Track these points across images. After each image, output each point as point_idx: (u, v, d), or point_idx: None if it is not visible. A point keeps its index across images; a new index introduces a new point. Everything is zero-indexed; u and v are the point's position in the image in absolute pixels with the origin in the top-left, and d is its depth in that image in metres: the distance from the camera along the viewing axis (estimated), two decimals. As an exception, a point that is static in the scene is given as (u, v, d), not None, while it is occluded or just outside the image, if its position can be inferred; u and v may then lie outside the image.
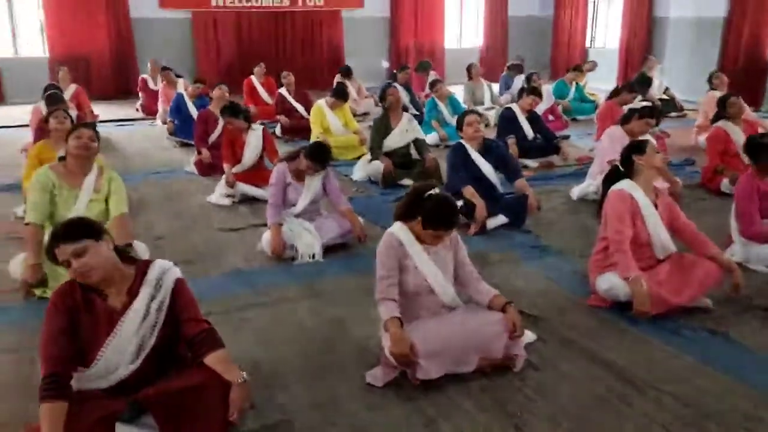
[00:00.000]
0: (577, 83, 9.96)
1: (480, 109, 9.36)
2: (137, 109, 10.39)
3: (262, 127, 5.82)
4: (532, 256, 4.24)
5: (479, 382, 2.77)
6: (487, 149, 4.88)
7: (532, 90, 6.78)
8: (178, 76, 9.50)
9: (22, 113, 9.05)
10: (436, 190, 2.85)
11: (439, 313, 2.92)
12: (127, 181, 5.94)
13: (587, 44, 14.66)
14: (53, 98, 6.28)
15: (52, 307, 2.30)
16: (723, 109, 5.82)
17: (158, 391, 2.28)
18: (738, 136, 5.66)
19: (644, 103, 9.10)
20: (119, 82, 12.30)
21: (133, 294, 2.38)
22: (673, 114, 9.97)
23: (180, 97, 7.89)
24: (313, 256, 4.13)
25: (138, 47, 12.59)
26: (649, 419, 2.51)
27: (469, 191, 4.66)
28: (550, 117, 8.32)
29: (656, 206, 3.47)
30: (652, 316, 3.26)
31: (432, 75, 10.78)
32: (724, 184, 5.50)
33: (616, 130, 5.36)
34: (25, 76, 11.55)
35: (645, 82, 10.03)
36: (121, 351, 2.31)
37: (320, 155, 4.26)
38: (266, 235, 4.22)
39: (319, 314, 3.42)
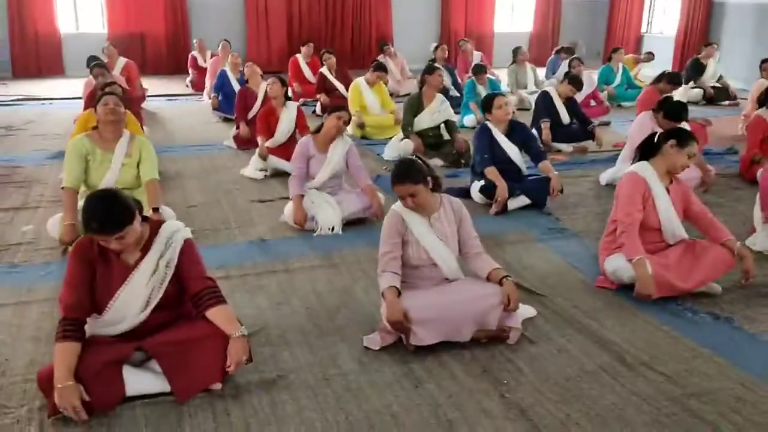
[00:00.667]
0: (624, 68, 9.77)
1: (523, 92, 9.34)
2: (187, 86, 10.72)
3: (296, 104, 5.96)
4: (550, 237, 4.27)
5: (472, 350, 2.86)
6: (512, 131, 4.91)
7: (570, 79, 6.71)
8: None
9: (80, 86, 9.46)
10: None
11: (440, 285, 3.03)
12: (168, 154, 6.33)
13: (643, 30, 14.30)
14: (100, 65, 6.56)
15: (73, 257, 2.51)
16: (766, 98, 5.67)
17: (163, 340, 2.47)
18: (782, 122, 5.52)
19: (696, 91, 9.00)
20: (172, 60, 12.71)
21: (145, 251, 2.56)
22: (726, 102, 9.70)
23: (224, 73, 8.13)
24: (333, 229, 4.27)
25: (192, 27, 12.96)
26: (632, 392, 2.57)
27: (492, 172, 4.72)
28: (592, 102, 8.21)
29: (668, 191, 3.46)
30: (657, 299, 3.29)
31: (477, 56, 10.73)
32: (760, 173, 5.37)
33: (646, 116, 5.30)
34: (85, 51, 11.99)
35: (697, 70, 9.81)
36: (131, 302, 2.50)
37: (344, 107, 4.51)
38: (288, 207, 4.38)
39: (332, 282, 3.56)
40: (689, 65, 10.02)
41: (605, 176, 5.48)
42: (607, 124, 7.99)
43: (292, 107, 5.86)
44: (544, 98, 6.69)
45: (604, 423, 2.40)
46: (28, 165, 5.94)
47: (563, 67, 10.66)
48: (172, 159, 6.25)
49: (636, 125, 5.29)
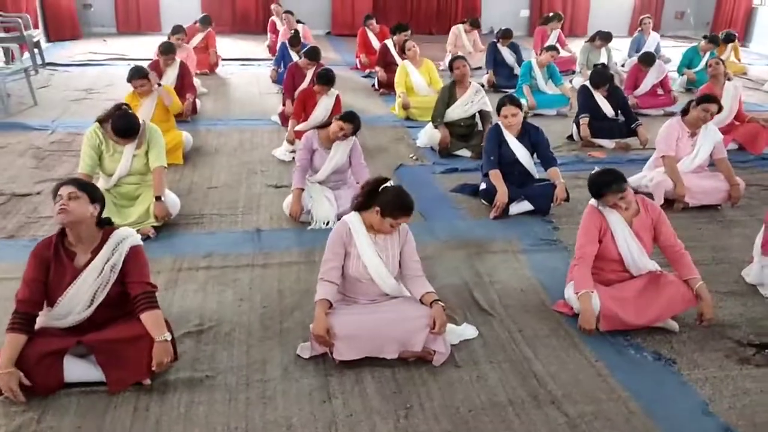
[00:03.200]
0: (712, 51, 9.09)
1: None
2: (268, 47, 11.08)
3: (337, 92, 6.08)
4: (536, 249, 4.26)
5: (395, 369, 3.01)
6: (525, 133, 4.86)
7: (601, 77, 6.40)
8: (299, 22, 9.98)
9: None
10: (391, 183, 3.07)
11: (376, 300, 3.18)
12: (217, 128, 6.71)
13: (757, 1, 13.09)
14: (167, 49, 6.97)
15: (32, 257, 2.86)
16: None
17: (101, 336, 2.80)
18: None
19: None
20: (261, 20, 13.07)
21: (95, 254, 2.88)
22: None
23: (284, 46, 8.38)
24: (327, 224, 4.46)
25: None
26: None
27: (495, 175, 4.72)
28: (659, 91, 7.77)
29: (632, 224, 3.38)
30: (607, 331, 3.28)
31: (554, 35, 10.34)
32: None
33: (674, 122, 5.04)
34: (180, 9, 12.67)
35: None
36: (77, 299, 2.83)
37: (352, 119, 4.53)
38: (288, 198, 4.61)
39: (299, 281, 3.78)
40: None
41: (632, 181, 5.26)
42: (672, 114, 7.55)
43: (332, 95, 6.00)
44: (583, 92, 6.44)
45: (482, 461, 2.50)
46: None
47: (650, 43, 10.13)
48: (217, 133, 6.63)
49: (663, 131, 5.05)
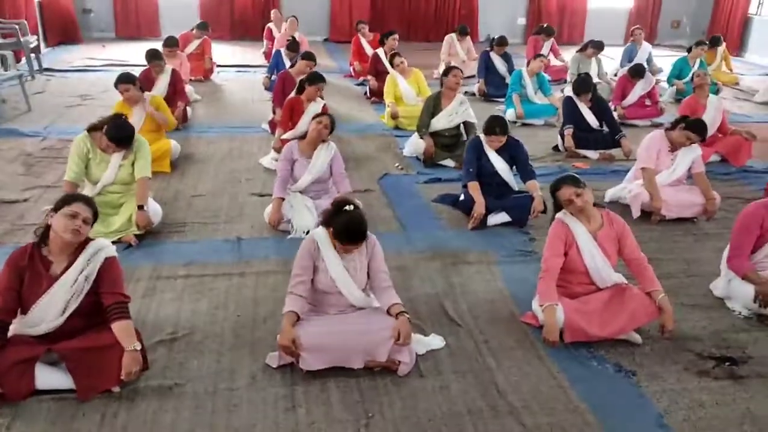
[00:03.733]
0: (702, 61, 9.17)
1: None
2: (264, 54, 11.19)
3: (323, 102, 6.17)
4: (511, 260, 4.33)
5: (360, 379, 3.08)
6: (506, 146, 4.93)
7: (583, 86, 6.48)
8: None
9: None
10: (352, 207, 3.14)
11: (345, 311, 3.25)
12: (207, 135, 6.81)
13: (752, 11, 13.16)
14: (154, 55, 7.06)
15: (7, 265, 2.94)
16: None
17: (71, 345, 2.88)
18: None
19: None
20: (258, 27, 13.16)
21: (70, 264, 2.96)
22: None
23: (278, 53, 8.48)
24: (307, 233, 4.52)
25: (282, -3, 13.43)
26: (481, 444, 2.71)
27: (473, 187, 4.80)
28: (647, 102, 7.84)
29: (597, 237, 3.45)
30: (571, 343, 3.35)
31: (547, 44, 10.42)
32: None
33: (657, 135, 5.11)
34: (179, 15, 12.80)
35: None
36: (50, 307, 2.91)
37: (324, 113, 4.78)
38: (269, 207, 4.69)
39: (275, 290, 3.85)
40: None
41: (610, 193, 5.37)
42: (659, 125, 7.62)
43: (319, 104, 6.08)
44: (568, 103, 6.52)
45: (436, 470, 2.57)
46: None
47: (641, 55, 10.21)
48: (207, 141, 6.73)
49: (644, 143, 5.12)
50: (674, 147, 5.01)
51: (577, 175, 3.51)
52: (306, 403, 2.92)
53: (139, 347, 2.91)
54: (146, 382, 3.01)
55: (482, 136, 4.93)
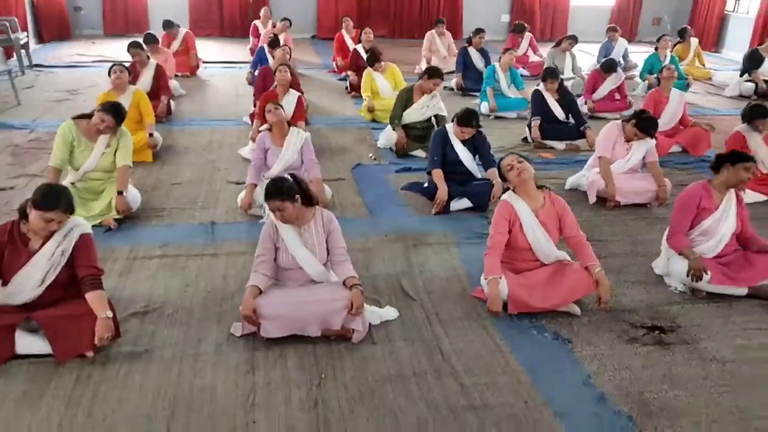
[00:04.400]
0: (673, 57, 9.45)
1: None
2: (250, 50, 11.43)
3: (298, 94, 6.43)
4: (469, 241, 4.59)
5: (317, 346, 3.34)
6: (469, 137, 5.19)
7: (549, 73, 6.77)
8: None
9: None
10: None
11: (304, 285, 3.51)
12: (190, 127, 7.06)
13: (729, 8, 13.44)
14: (134, 44, 7.33)
15: (-12, 241, 3.21)
16: (749, 114, 5.56)
17: (49, 313, 3.14)
18: (756, 144, 5.46)
19: (750, 84, 8.59)
20: (247, 25, 13.41)
21: (47, 239, 3.22)
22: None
23: (262, 50, 8.72)
24: (278, 217, 4.79)
25: (269, -6, 13.67)
26: (422, 398, 2.97)
27: (436, 174, 5.06)
28: (617, 96, 8.12)
29: (539, 215, 3.72)
30: (515, 314, 3.62)
31: (526, 38, 10.70)
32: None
33: (613, 126, 5.38)
34: (168, 12, 13.00)
35: (754, 61, 9.38)
36: (29, 279, 3.17)
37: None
38: (242, 193, 4.95)
39: (244, 269, 4.08)
40: (746, 56, 9.56)
41: (570, 180, 5.64)
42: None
43: (293, 96, 6.35)
44: (536, 96, 6.80)
45: (378, 422, 2.83)
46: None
47: (618, 50, 10.47)
48: (189, 133, 6.98)
49: (602, 134, 5.39)
50: (629, 138, 5.28)
51: (519, 154, 3.80)
52: (265, 366, 3.19)
53: (110, 315, 3.17)
54: (118, 348, 3.27)
55: (451, 126, 5.17)
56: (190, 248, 4.38)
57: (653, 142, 5.33)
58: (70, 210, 3.18)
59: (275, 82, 7.02)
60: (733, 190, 3.98)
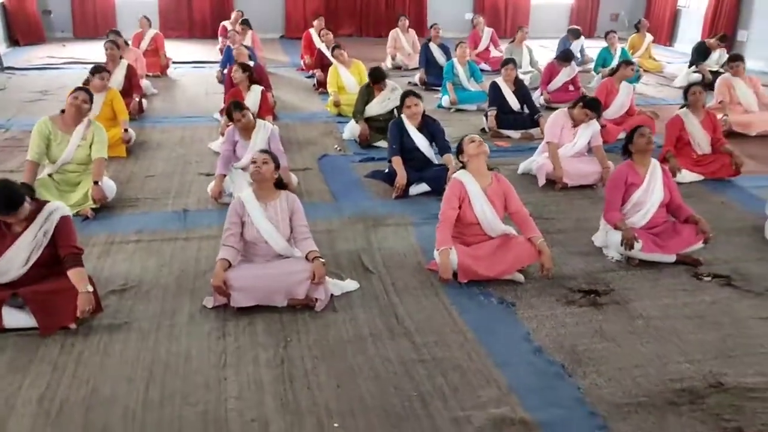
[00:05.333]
0: (624, 50, 9.92)
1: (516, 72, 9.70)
2: (219, 50, 11.66)
3: (261, 88, 6.73)
4: (425, 222, 4.92)
5: (283, 315, 3.65)
6: (424, 125, 5.55)
7: (508, 60, 7.19)
8: (249, 27, 10.61)
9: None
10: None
11: (270, 260, 3.83)
12: (162, 125, 7.31)
13: (682, 4, 13.98)
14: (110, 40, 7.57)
15: (-25, 226, 3.47)
16: (685, 98, 5.99)
17: (33, 289, 3.42)
18: (693, 126, 5.87)
19: (696, 75, 9.10)
20: (216, 25, 13.64)
21: (30, 222, 3.48)
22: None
23: (229, 49, 8.99)
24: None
25: (237, -6, 13.92)
26: (378, 355, 3.30)
27: (396, 161, 5.41)
28: (571, 87, 8.53)
29: (487, 192, 4.08)
30: (465, 283, 3.97)
31: (488, 33, 11.10)
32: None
33: (560, 113, 5.78)
34: (137, 14, 13.16)
35: (701, 53, 9.86)
36: (14, 259, 3.44)
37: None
38: (212, 183, 5.24)
39: (215, 251, 4.25)
40: (694, 48, 10.05)
41: (522, 166, 6.02)
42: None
43: (256, 91, 6.64)
44: (493, 88, 7.18)
45: (338, 375, 3.15)
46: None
47: (574, 48, 10.91)
48: (162, 129, 7.25)
49: (550, 120, 5.78)
50: (576, 123, 5.68)
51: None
52: (235, 332, 3.50)
53: (91, 289, 3.45)
54: (99, 321, 3.55)
55: (404, 112, 5.52)
56: (164, 233, 4.67)
57: (598, 127, 5.73)
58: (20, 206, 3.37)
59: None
60: (656, 163, 4.37)
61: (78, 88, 5.11)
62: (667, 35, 13.79)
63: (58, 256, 3.52)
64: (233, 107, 5.23)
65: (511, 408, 2.94)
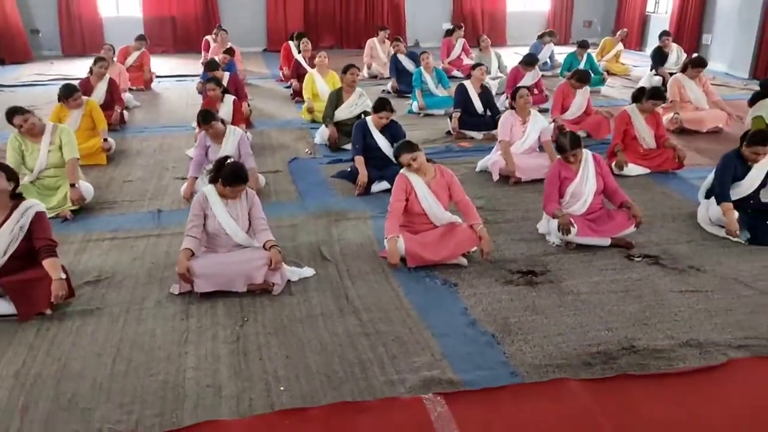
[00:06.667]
0: (589, 55, 10.34)
1: (486, 78, 10.09)
2: (202, 64, 12.04)
3: (233, 98, 7.10)
4: (383, 215, 5.15)
5: (242, 298, 3.98)
6: (386, 127, 5.91)
7: (478, 64, 7.58)
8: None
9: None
10: (231, 159, 4.08)
11: (231, 250, 4.16)
12: (143, 134, 7.67)
13: (650, 9, 14.42)
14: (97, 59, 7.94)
15: (-41, 222, 3.80)
16: (637, 95, 6.35)
17: (11, 279, 3.74)
18: (638, 122, 6.25)
19: (658, 78, 9.50)
20: (199, 40, 14.03)
21: (7, 218, 3.82)
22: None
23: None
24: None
25: (220, 10, 14.30)
26: (327, 330, 3.63)
27: (358, 160, 5.77)
28: (535, 91, 8.91)
29: (431, 185, 4.43)
30: (414, 267, 4.30)
31: (459, 43, 11.50)
32: (614, 165, 6.14)
33: (507, 114, 6.17)
34: (124, 32, 13.59)
35: (659, 58, 10.27)
36: (-7, 252, 3.78)
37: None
38: (185, 185, 5.59)
39: (185, 245, 4.73)
40: (652, 53, 10.46)
41: (479, 164, 6.38)
42: (546, 111, 8.69)
43: (228, 101, 7.00)
44: (460, 91, 7.56)
45: (289, 348, 3.48)
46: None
47: (545, 53, 11.34)
48: (142, 138, 7.60)
49: (500, 121, 6.17)
50: (524, 118, 6.05)
51: (412, 142, 4.50)
52: (197, 314, 3.83)
53: (64, 276, 3.78)
54: (73, 307, 3.88)
55: (370, 118, 5.88)
56: (139, 231, 5.00)
57: (546, 122, 6.12)
58: (9, 176, 3.86)
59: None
60: (587, 156, 4.73)
61: (18, 112, 5.28)
62: (637, 40, 14.23)
63: (33, 249, 3.85)
64: (201, 119, 5.58)
65: (442, 371, 3.27)
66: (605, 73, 10.55)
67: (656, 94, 6.25)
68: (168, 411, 2.99)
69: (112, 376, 3.26)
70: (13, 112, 5.26)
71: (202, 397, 3.09)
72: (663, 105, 7.78)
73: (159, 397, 3.10)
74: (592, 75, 10.16)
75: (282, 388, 3.16)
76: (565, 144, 4.64)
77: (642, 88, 6.46)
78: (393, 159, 5.81)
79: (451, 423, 2.86)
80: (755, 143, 4.67)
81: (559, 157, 4.83)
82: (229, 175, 4.00)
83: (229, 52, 9.58)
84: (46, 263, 3.78)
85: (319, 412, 2.95)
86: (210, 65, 8.48)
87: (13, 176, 3.93)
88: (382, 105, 5.86)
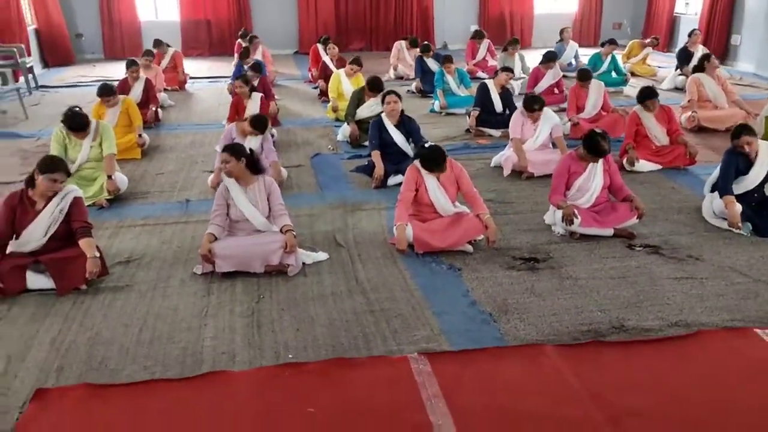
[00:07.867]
0: (613, 56, 10.45)
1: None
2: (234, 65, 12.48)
3: (260, 95, 7.45)
4: (397, 207, 5.53)
5: (260, 278, 4.28)
6: (402, 122, 6.18)
7: (505, 68, 7.77)
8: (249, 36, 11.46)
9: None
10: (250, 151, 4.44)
11: (251, 234, 4.47)
12: (177, 131, 8.09)
13: (680, 10, 14.39)
14: (130, 62, 8.38)
15: (4, 205, 4.18)
16: (641, 96, 6.50)
17: (51, 256, 4.11)
18: (648, 121, 6.40)
19: (682, 78, 9.54)
20: (232, 43, 14.48)
21: (48, 202, 4.19)
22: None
23: (240, 63, 9.76)
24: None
25: (253, 14, 14.76)
26: (337, 308, 3.90)
27: (375, 155, 6.04)
28: (555, 90, 9.08)
29: (439, 178, 4.67)
30: (422, 253, 4.56)
31: (484, 45, 11.70)
32: (626, 161, 6.30)
33: (518, 113, 6.42)
34: (162, 36, 14.07)
35: (684, 58, 10.33)
36: (35, 231, 4.14)
37: (259, 124, 5.89)
38: (212, 175, 5.94)
39: (209, 231, 5.06)
40: (677, 53, 10.52)
41: (494, 159, 6.60)
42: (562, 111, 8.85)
43: (255, 98, 7.36)
44: (481, 89, 7.78)
45: (299, 322, 3.76)
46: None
47: (569, 53, 11.48)
48: (175, 135, 8.00)
49: (511, 120, 6.38)
50: (534, 119, 6.26)
51: (440, 150, 4.65)
52: (218, 292, 4.14)
53: (98, 255, 4.14)
54: (106, 284, 4.23)
55: (384, 114, 6.15)
56: (167, 219, 5.36)
57: (557, 119, 6.32)
58: (68, 172, 4.22)
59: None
60: None
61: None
62: (665, 42, 14.21)
63: (71, 230, 4.22)
64: (255, 124, 5.97)
65: (438, 344, 3.52)
66: (629, 74, 10.63)
67: (646, 95, 6.40)
68: (187, 373, 3.30)
69: (138, 343, 3.59)
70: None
71: (217, 362, 3.39)
72: (681, 104, 7.92)
73: (179, 361, 3.41)
74: (614, 75, 10.40)
75: (290, 356, 3.44)
76: (605, 148, 4.76)
77: (639, 90, 6.61)
78: (408, 153, 6.16)
79: (431, 378, 3.15)
80: (740, 135, 4.88)
81: (570, 151, 5.02)
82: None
83: (244, 53, 9.95)
84: (82, 242, 4.14)
85: (317, 366, 3.29)
86: (243, 53, 8.95)
87: (68, 174, 4.33)
88: (386, 93, 6.23)
